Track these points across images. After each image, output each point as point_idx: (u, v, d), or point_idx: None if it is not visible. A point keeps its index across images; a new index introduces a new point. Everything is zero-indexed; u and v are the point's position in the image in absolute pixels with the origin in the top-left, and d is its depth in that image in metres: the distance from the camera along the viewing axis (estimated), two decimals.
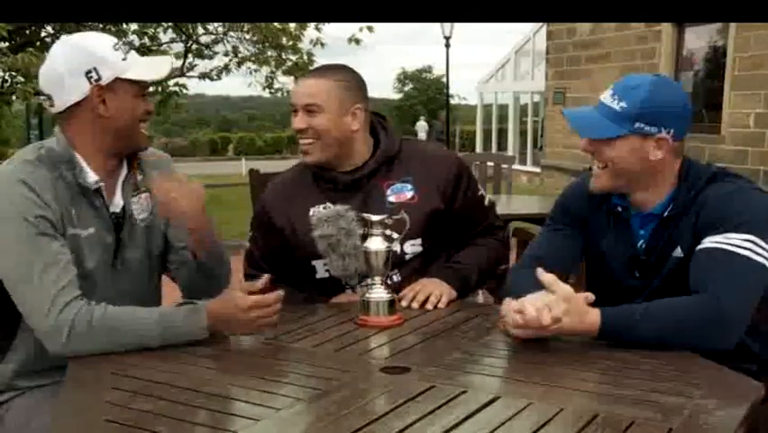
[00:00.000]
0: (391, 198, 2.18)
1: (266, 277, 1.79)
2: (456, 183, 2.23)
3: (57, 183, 1.74)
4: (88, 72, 1.73)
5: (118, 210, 1.85)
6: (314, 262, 2.21)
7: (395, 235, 2.12)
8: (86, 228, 1.79)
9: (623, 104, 1.79)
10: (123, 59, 1.77)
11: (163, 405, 1.39)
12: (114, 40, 1.82)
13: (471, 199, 2.27)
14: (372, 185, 2.19)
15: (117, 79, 1.76)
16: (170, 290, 2.06)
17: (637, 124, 1.78)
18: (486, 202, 2.34)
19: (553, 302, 1.62)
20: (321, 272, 2.22)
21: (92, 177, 1.79)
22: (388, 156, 2.22)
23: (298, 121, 2.14)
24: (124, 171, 1.88)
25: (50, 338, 1.65)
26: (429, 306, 2.00)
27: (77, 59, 1.75)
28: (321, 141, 2.15)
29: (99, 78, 1.74)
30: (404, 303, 2.01)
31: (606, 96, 1.84)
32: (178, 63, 11.53)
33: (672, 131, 1.80)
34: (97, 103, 1.76)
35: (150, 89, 1.96)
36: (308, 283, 2.26)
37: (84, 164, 1.79)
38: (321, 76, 2.16)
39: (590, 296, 1.67)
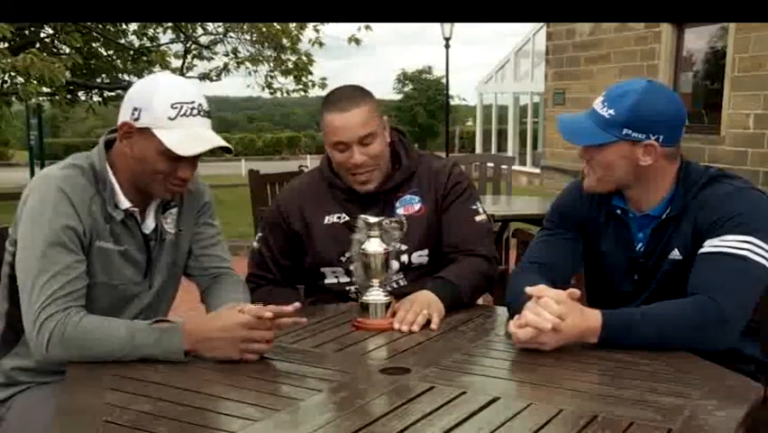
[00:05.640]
0: (400, 210, 2.18)
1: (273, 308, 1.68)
2: (450, 189, 2.21)
3: (95, 197, 1.78)
4: (135, 109, 1.75)
5: (149, 232, 1.88)
6: (323, 269, 2.22)
7: (403, 247, 2.11)
8: (117, 244, 1.82)
9: (611, 111, 1.79)
10: (171, 119, 1.73)
11: (162, 406, 1.39)
12: (185, 98, 1.75)
13: (459, 208, 2.20)
14: (387, 198, 2.20)
15: (149, 129, 1.74)
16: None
17: (625, 131, 1.78)
18: (479, 219, 2.21)
19: (549, 307, 1.62)
20: (330, 278, 2.23)
21: (124, 203, 1.81)
22: (408, 174, 2.22)
23: (357, 156, 2.08)
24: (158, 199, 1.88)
25: (34, 344, 1.68)
26: (416, 327, 1.84)
27: (138, 93, 1.78)
28: (379, 167, 2.15)
29: (137, 119, 1.75)
30: (396, 325, 1.86)
31: (597, 103, 1.84)
32: (178, 64, 11.57)
33: (660, 137, 1.79)
34: (123, 136, 1.77)
35: None
36: (314, 288, 2.27)
37: (117, 187, 1.81)
38: (355, 105, 2.08)
39: (576, 292, 1.67)
